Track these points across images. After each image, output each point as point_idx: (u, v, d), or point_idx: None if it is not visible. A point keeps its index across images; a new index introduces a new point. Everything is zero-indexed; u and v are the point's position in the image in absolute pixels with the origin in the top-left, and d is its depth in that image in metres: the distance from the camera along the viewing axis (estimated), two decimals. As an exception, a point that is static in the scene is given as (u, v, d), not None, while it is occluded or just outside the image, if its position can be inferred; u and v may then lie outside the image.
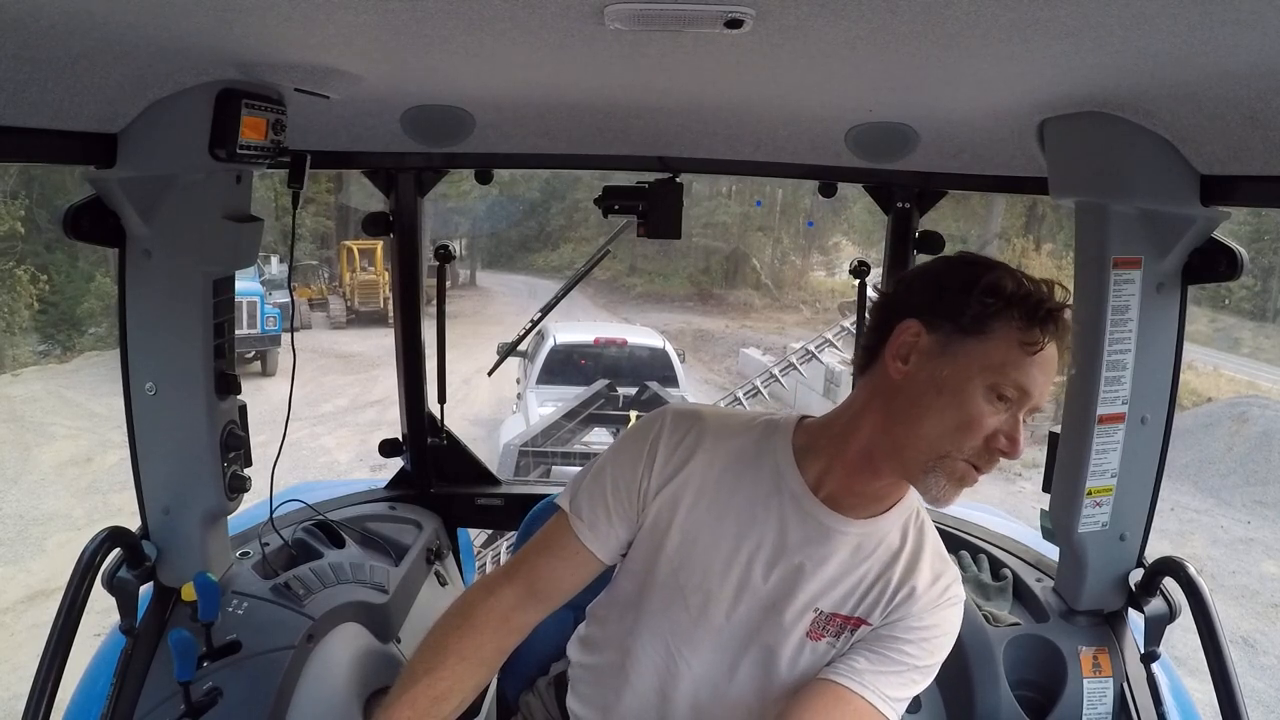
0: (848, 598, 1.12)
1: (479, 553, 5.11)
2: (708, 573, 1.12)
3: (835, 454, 1.11)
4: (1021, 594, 1.67)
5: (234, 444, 1.45)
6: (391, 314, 2.24)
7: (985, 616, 1.59)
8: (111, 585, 1.36)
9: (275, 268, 15.01)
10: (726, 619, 1.13)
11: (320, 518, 1.83)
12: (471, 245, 26.32)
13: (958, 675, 1.52)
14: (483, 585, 1.18)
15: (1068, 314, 1.04)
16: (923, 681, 1.12)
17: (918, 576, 1.12)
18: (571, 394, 7.42)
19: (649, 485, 1.15)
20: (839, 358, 10.34)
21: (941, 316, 1.03)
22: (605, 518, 1.16)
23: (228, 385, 1.42)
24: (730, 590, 1.12)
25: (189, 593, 1.40)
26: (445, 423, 2.23)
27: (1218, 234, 1.35)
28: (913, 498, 1.16)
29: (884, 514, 1.13)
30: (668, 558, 1.14)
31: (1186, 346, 1.45)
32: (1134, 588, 1.49)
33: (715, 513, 1.13)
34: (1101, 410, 1.40)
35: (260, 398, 2.63)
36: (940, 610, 1.12)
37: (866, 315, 1.13)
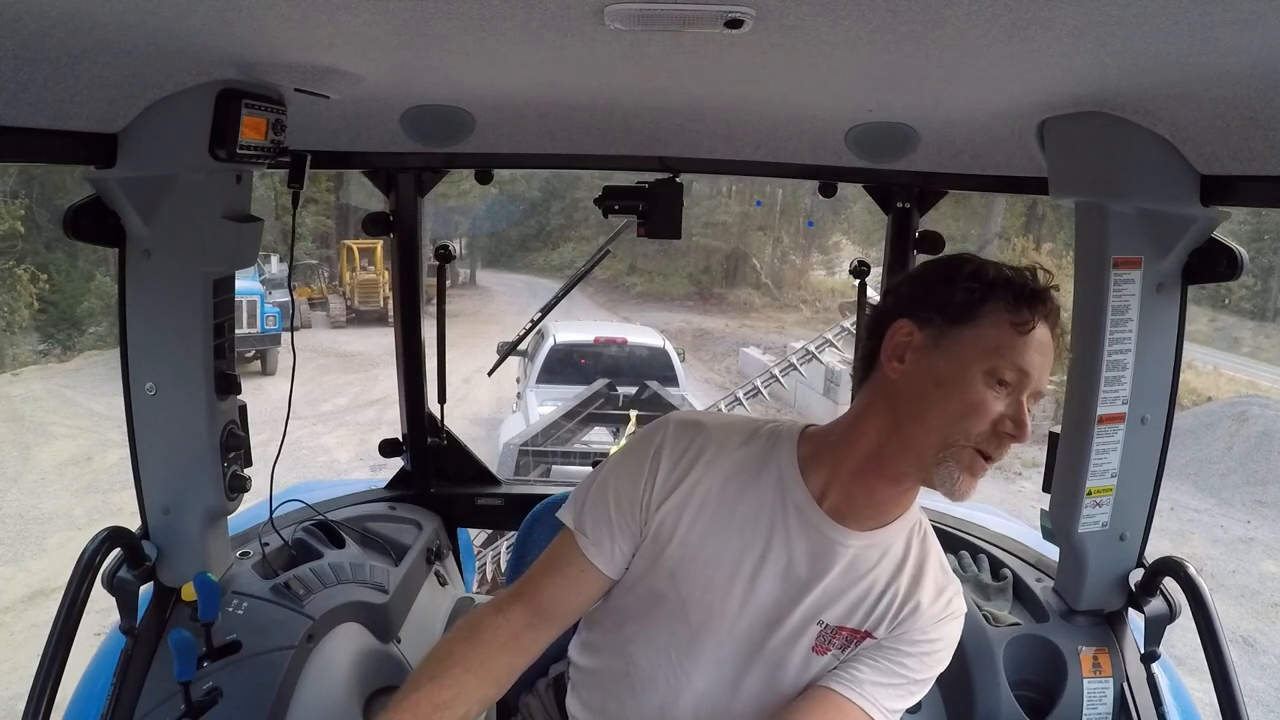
0: (853, 611, 1.11)
1: (479, 553, 5.11)
2: (710, 586, 1.11)
3: (839, 463, 1.10)
4: (1021, 594, 1.67)
5: (234, 444, 1.45)
6: (391, 313, 2.24)
7: (985, 616, 1.59)
8: (111, 585, 1.36)
9: (275, 267, 15.00)
10: (729, 633, 1.11)
11: (320, 518, 1.83)
12: (471, 244, 26.32)
13: (958, 675, 1.52)
14: (493, 604, 1.16)
15: (1055, 295, 1.05)
16: (919, 693, 1.12)
17: (922, 590, 1.11)
18: (571, 393, 7.42)
19: (651, 497, 1.13)
20: (839, 357, 10.36)
21: (930, 311, 1.04)
22: (609, 533, 1.14)
23: (228, 385, 1.42)
24: (734, 604, 1.10)
25: (189, 593, 1.40)
26: (445, 423, 2.23)
27: (1218, 234, 1.35)
28: (916, 510, 1.15)
29: (888, 525, 1.12)
30: (669, 570, 1.12)
31: (1186, 346, 1.45)
32: (1134, 588, 1.49)
33: (718, 525, 1.11)
34: (1101, 410, 1.40)
35: (260, 397, 2.63)
36: (944, 625, 1.12)
37: (867, 315, 1.15)
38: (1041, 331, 1.02)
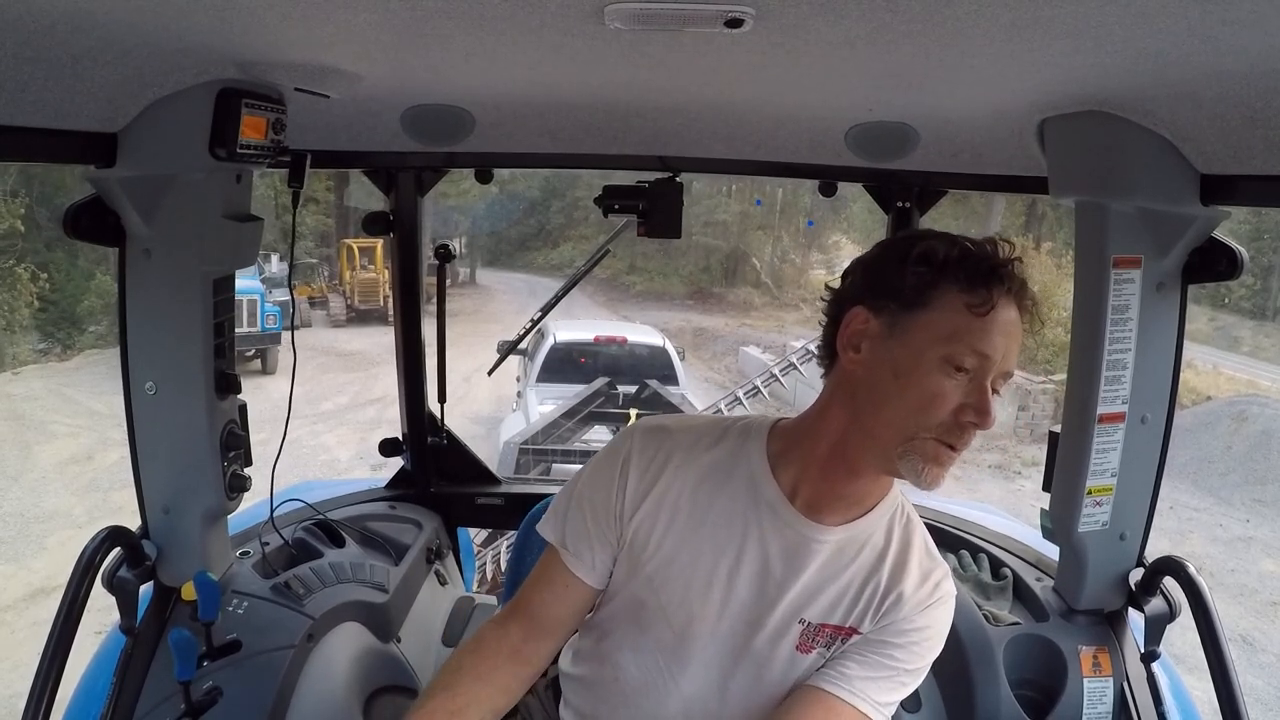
0: (834, 607, 1.09)
1: (479, 552, 5.11)
2: (688, 591, 1.10)
3: (808, 456, 1.07)
4: (1021, 593, 1.67)
5: (234, 443, 1.45)
6: (391, 312, 2.24)
7: (985, 616, 1.59)
8: (111, 585, 1.36)
9: (275, 266, 15.02)
10: (711, 636, 1.10)
11: (320, 517, 1.83)
12: (471, 243, 26.32)
13: (958, 675, 1.52)
14: (495, 620, 1.18)
15: (1017, 268, 0.99)
16: (913, 684, 1.10)
17: (905, 579, 1.08)
18: (571, 392, 7.41)
19: (624, 507, 1.12)
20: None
21: (883, 297, 0.99)
22: (588, 546, 1.15)
23: (228, 385, 1.42)
24: (713, 608, 1.09)
25: (189, 592, 1.40)
26: (445, 422, 2.23)
27: (1217, 233, 1.35)
28: (896, 495, 1.13)
29: (865, 516, 1.10)
30: (647, 577, 1.12)
31: (1186, 345, 1.45)
32: (1134, 587, 1.49)
33: (692, 529, 1.10)
34: (1101, 410, 1.40)
35: (260, 395, 2.63)
36: (930, 611, 1.09)
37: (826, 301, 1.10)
38: (1004, 311, 0.97)
